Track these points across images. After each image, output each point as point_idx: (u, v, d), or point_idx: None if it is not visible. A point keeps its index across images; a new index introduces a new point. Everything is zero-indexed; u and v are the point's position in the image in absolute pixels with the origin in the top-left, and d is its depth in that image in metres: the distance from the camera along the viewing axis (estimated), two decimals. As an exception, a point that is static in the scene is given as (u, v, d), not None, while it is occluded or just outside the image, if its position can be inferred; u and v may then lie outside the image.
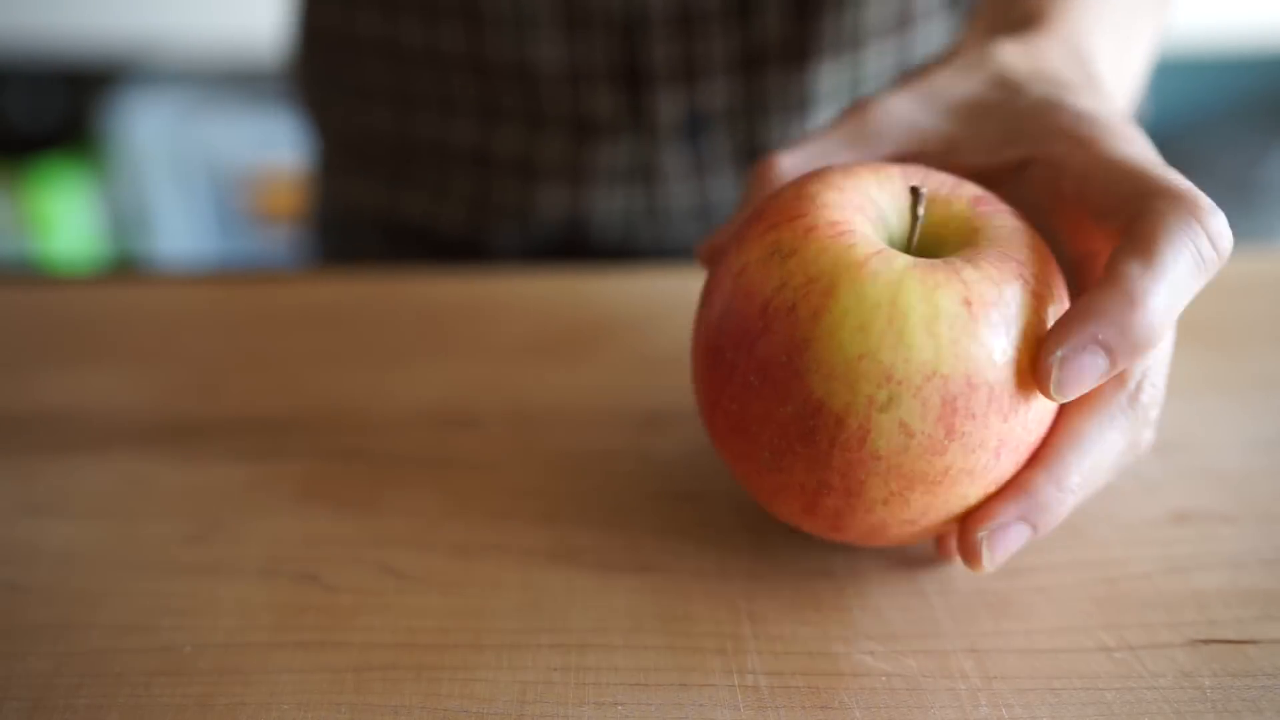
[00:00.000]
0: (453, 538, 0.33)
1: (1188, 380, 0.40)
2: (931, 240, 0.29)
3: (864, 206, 0.28)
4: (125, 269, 1.41)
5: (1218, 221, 0.26)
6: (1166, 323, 0.26)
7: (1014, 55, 0.32)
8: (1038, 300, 0.27)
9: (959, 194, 0.29)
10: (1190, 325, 0.44)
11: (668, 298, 0.45)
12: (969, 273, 0.26)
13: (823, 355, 0.26)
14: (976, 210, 0.29)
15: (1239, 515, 0.34)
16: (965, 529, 0.28)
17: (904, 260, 0.26)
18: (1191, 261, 0.26)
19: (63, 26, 1.36)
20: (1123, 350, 0.25)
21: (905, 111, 0.32)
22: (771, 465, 0.28)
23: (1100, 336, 0.25)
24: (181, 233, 1.50)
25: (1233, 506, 0.34)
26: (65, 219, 1.49)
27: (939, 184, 0.29)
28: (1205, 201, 0.26)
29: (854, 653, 0.29)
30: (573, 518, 0.34)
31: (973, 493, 0.27)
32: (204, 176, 1.48)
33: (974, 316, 0.26)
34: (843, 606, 0.30)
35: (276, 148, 1.44)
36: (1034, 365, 0.26)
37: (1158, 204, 0.26)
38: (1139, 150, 0.29)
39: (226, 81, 1.47)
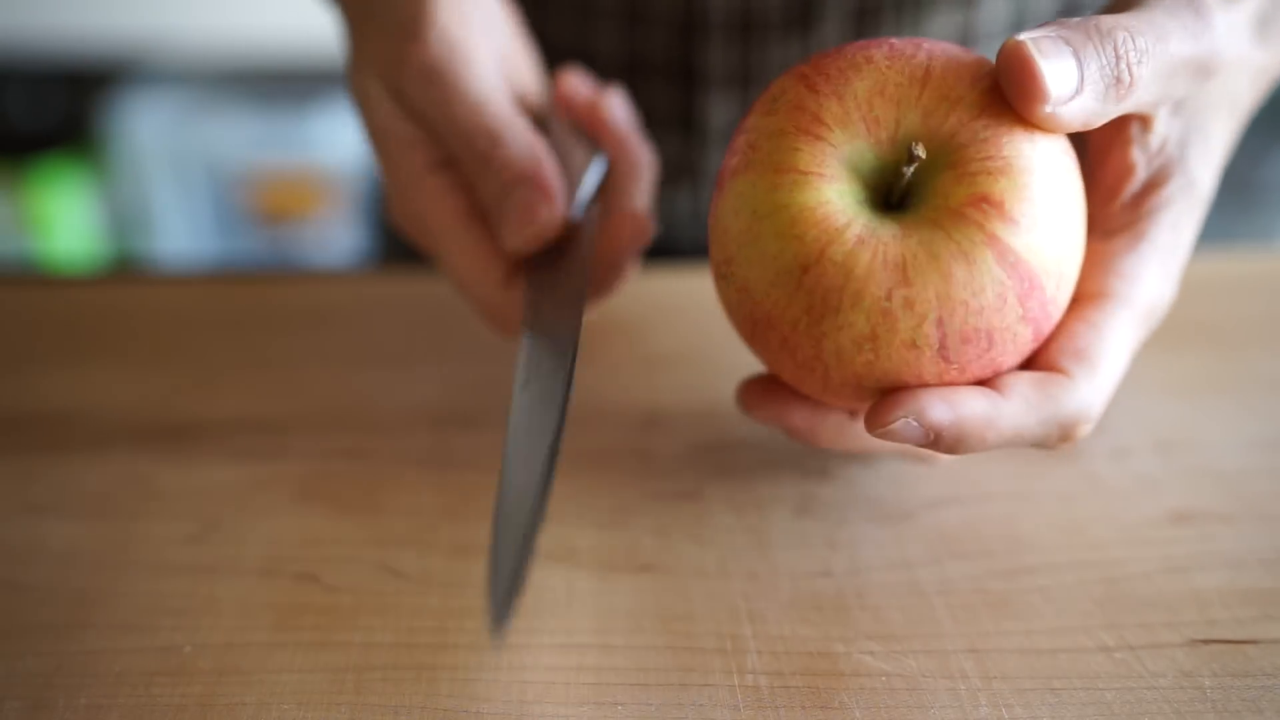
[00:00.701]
0: (453, 538, 0.33)
1: (1188, 380, 0.40)
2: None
3: (874, 110, 0.27)
4: (125, 269, 1.41)
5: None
6: (1125, 49, 0.27)
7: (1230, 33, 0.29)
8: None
9: (970, 153, 0.27)
10: (1190, 325, 0.44)
11: (668, 298, 0.45)
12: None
13: (719, 204, 0.29)
14: (966, 212, 0.26)
15: (1238, 515, 0.34)
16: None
17: (823, 197, 0.27)
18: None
19: (63, 26, 1.36)
20: (1085, 51, 0.26)
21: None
22: None
23: (1064, 34, 0.26)
24: (181, 233, 1.50)
25: (1232, 506, 0.34)
26: (65, 219, 1.49)
27: (964, 129, 0.27)
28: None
29: (854, 653, 0.29)
30: (573, 518, 0.34)
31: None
32: (204, 176, 1.48)
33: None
34: (843, 606, 0.30)
35: (276, 148, 1.44)
36: (1004, 54, 0.27)
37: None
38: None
39: (226, 81, 1.47)
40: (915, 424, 0.27)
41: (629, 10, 0.47)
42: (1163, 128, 0.30)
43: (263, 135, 1.44)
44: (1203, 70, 0.28)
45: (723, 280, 0.29)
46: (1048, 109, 0.26)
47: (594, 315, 0.45)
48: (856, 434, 0.31)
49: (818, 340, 0.27)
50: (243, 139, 1.44)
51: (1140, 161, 0.30)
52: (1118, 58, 0.27)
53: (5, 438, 0.38)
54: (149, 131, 1.44)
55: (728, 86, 0.48)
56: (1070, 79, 0.26)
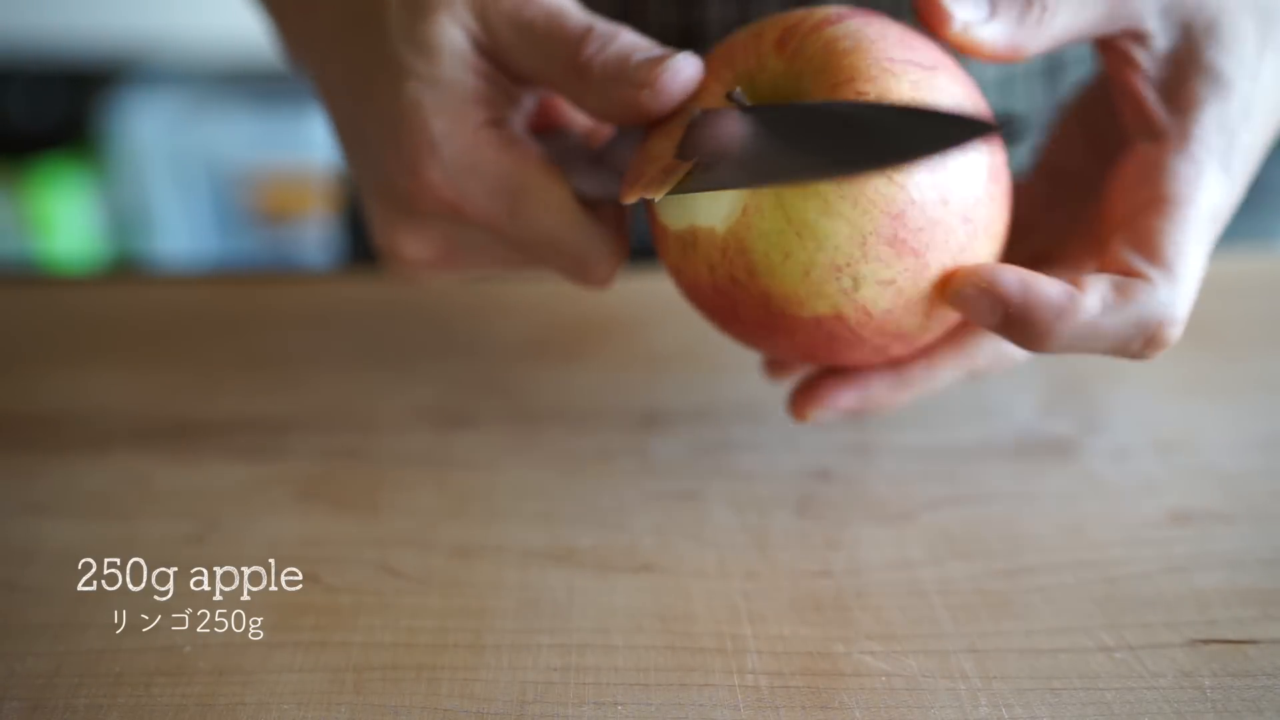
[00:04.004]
0: (453, 538, 0.33)
1: (1188, 380, 0.40)
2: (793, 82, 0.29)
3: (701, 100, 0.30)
4: (125, 269, 1.41)
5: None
6: None
7: None
8: None
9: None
10: (1190, 325, 0.44)
11: (668, 298, 0.45)
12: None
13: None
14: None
15: (1238, 515, 0.34)
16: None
17: None
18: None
19: (63, 26, 1.36)
20: None
21: None
22: None
23: None
24: (181, 233, 1.50)
25: (1232, 506, 0.34)
26: (65, 219, 1.49)
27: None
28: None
29: (854, 653, 0.29)
30: (573, 518, 0.34)
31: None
32: (204, 176, 1.48)
33: None
34: (843, 606, 0.30)
35: (276, 148, 1.44)
36: None
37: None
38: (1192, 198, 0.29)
39: (226, 81, 1.47)
40: (982, 295, 0.27)
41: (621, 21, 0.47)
42: (1162, 39, 0.30)
43: (263, 135, 1.44)
44: None
45: (730, 326, 0.31)
46: (956, 28, 0.28)
47: (593, 313, 0.45)
48: (909, 383, 0.32)
49: (820, 287, 0.27)
50: (243, 139, 1.44)
51: (1144, 58, 0.30)
52: None
53: (5, 438, 0.38)
54: (149, 131, 1.43)
55: None
56: (980, 6, 0.28)
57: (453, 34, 0.31)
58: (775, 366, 0.36)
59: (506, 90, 0.32)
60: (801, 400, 0.33)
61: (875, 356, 0.30)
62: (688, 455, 0.37)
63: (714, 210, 0.28)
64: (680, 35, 0.46)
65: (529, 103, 0.34)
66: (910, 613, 0.30)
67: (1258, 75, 0.30)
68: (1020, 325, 0.27)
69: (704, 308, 0.31)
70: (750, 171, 0.27)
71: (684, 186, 0.27)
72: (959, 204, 0.27)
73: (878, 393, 0.32)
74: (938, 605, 0.30)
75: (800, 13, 0.30)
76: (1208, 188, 0.29)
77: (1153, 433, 0.37)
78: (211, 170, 1.48)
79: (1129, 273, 0.28)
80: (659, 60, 0.29)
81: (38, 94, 1.49)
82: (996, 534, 0.33)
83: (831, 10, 0.29)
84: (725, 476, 0.36)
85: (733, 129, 0.28)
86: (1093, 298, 0.27)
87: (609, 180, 0.32)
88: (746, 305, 0.29)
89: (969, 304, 0.28)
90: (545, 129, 0.36)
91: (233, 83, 1.46)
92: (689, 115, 0.29)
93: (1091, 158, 0.33)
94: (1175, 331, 0.28)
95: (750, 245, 0.27)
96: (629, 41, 0.30)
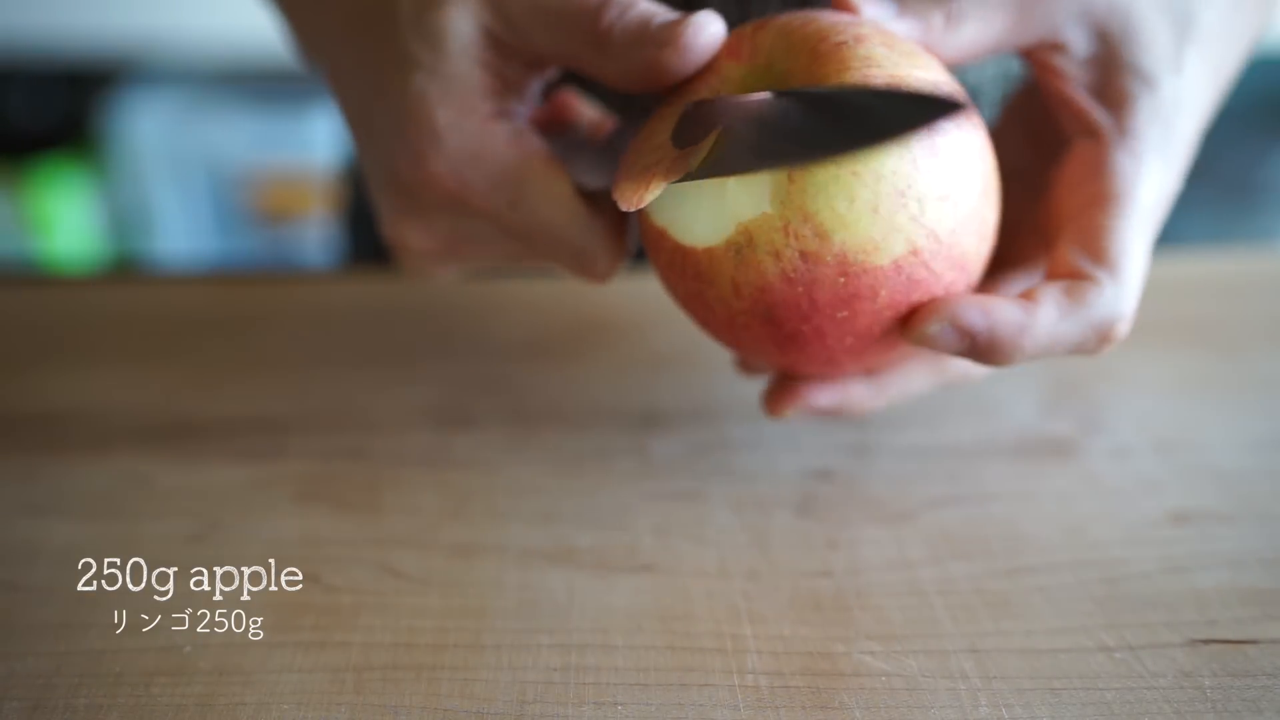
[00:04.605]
0: (453, 538, 0.33)
1: (1188, 380, 0.40)
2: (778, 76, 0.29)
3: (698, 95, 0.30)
4: (125, 269, 1.41)
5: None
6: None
7: None
8: None
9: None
10: (1190, 325, 0.44)
11: (668, 298, 0.45)
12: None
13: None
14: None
15: (1238, 515, 0.34)
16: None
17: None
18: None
19: (63, 26, 1.36)
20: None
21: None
22: None
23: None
24: (181, 233, 1.50)
25: (1232, 506, 0.34)
26: (65, 219, 1.49)
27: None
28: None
29: (854, 653, 0.29)
30: (573, 518, 0.34)
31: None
32: (204, 176, 1.48)
33: None
34: (843, 606, 0.30)
35: (276, 148, 1.44)
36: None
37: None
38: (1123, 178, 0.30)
39: (226, 81, 1.47)
40: (950, 329, 0.28)
41: None
42: (1080, 46, 0.30)
43: (263, 135, 1.44)
44: None
45: (732, 330, 0.30)
46: (866, 16, 0.29)
47: (593, 313, 0.45)
48: (885, 387, 0.33)
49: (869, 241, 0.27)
50: (243, 139, 1.44)
51: (1067, 65, 0.31)
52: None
53: (5, 438, 0.38)
54: (149, 131, 1.43)
55: None
56: (885, 4, 0.30)
57: (460, 25, 0.31)
58: (747, 366, 0.36)
59: (512, 83, 0.32)
60: (778, 396, 0.33)
61: None
62: (687, 455, 0.37)
63: (758, 195, 0.27)
64: None
65: (534, 97, 0.34)
66: (910, 613, 0.30)
67: (1180, 69, 0.31)
68: (987, 350, 0.28)
69: (771, 317, 0.29)
70: (766, 149, 0.27)
71: (708, 171, 0.27)
72: (965, 120, 0.28)
73: (855, 394, 0.32)
74: (938, 605, 0.30)
75: (736, 29, 0.30)
76: (1148, 180, 0.30)
77: (1153, 433, 0.37)
78: (211, 170, 1.48)
79: (1077, 275, 0.29)
80: (681, 20, 0.29)
81: (38, 94, 1.49)
82: (996, 534, 0.33)
83: (765, 17, 0.30)
84: (725, 476, 0.36)
85: (733, 109, 0.28)
86: (1047, 310, 0.29)
87: (611, 173, 0.32)
88: (824, 280, 0.27)
89: (937, 340, 0.28)
90: (550, 127, 0.36)
91: (233, 83, 1.46)
92: (666, 132, 0.29)
93: (1032, 155, 0.34)
94: (1125, 328, 0.30)
95: (812, 205, 0.27)
96: (647, 6, 0.30)
